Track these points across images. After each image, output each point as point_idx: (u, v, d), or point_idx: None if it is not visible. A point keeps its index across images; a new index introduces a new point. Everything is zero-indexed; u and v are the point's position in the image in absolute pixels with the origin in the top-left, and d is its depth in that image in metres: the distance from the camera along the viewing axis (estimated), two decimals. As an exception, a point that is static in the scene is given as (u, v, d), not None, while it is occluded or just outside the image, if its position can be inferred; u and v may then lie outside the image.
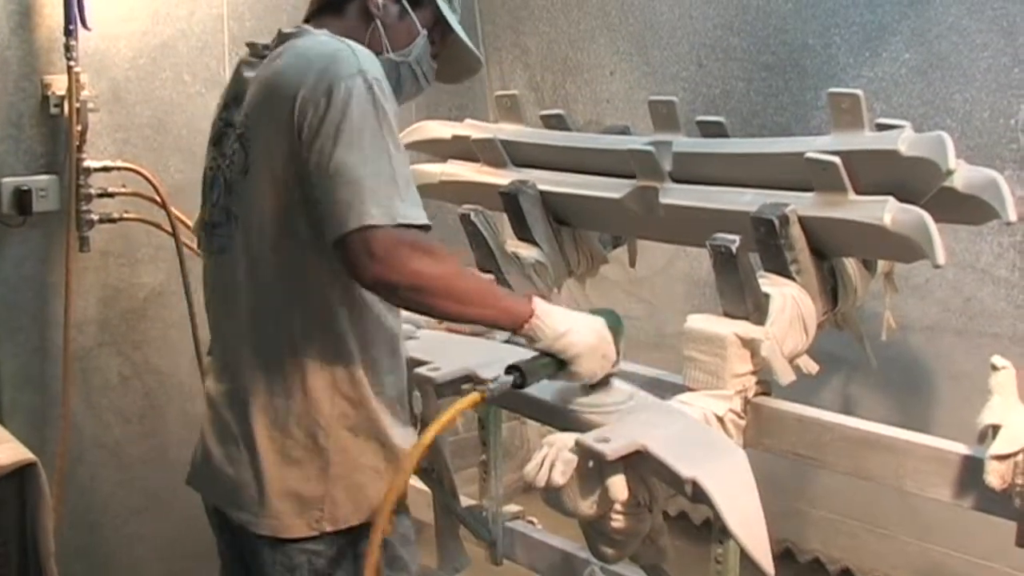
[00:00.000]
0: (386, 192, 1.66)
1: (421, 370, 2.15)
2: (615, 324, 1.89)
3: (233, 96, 1.90)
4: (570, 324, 1.82)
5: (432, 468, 2.53)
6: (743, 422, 2.14)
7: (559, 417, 1.96)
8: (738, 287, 2.14)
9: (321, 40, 1.81)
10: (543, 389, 1.95)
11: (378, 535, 1.75)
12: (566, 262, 2.78)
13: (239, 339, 1.87)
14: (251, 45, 1.95)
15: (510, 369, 1.81)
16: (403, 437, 1.90)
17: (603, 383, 1.91)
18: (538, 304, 1.82)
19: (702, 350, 2.14)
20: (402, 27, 1.95)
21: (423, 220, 1.70)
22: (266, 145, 1.76)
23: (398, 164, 1.70)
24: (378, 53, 1.85)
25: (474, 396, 1.79)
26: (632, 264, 2.97)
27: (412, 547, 1.97)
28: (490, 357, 1.94)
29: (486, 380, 1.84)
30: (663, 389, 2.21)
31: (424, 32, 1.98)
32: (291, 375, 1.81)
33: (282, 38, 1.88)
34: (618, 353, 1.89)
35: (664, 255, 3.68)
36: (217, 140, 1.92)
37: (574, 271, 2.83)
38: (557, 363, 1.83)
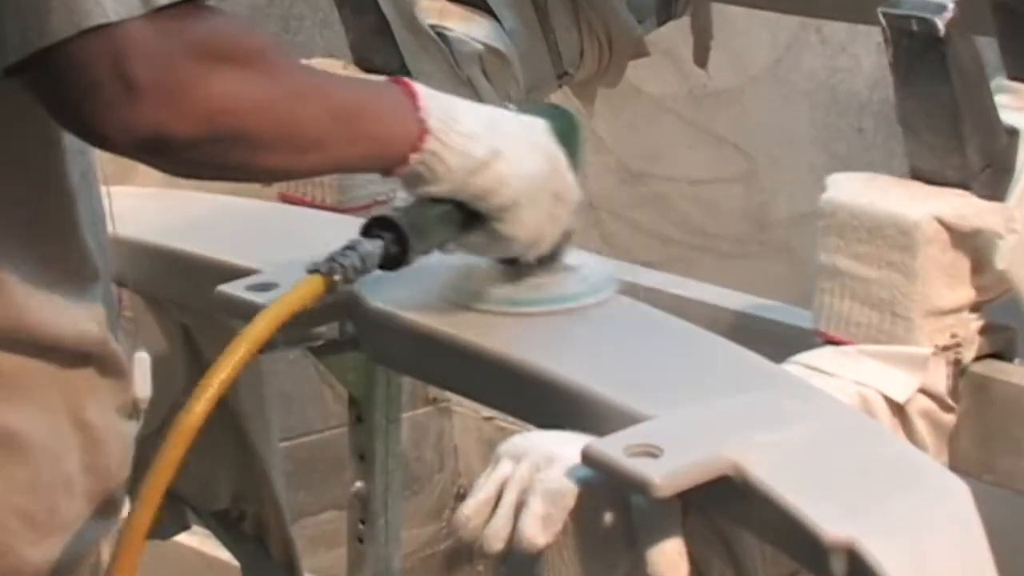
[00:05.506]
0: None
1: (239, 292, 1.28)
2: (567, 129, 1.26)
3: None
4: (495, 140, 1.18)
5: (243, 512, 1.51)
6: (950, 417, 1.28)
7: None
8: (947, 113, 1.30)
9: None
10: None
11: None
12: (552, 50, 1.70)
13: None
14: None
15: (378, 224, 1.15)
16: (106, 410, 1.17)
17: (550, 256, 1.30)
18: (424, 98, 1.12)
19: (861, 253, 1.30)
20: None
21: None
22: None
23: None
24: None
25: (312, 283, 1.16)
26: (702, 62, 1.81)
27: None
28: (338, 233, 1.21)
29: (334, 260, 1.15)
30: (767, 337, 1.37)
31: None
32: None
33: None
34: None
35: (770, 44, 2.43)
36: None
37: (569, 71, 1.74)
38: (466, 215, 1.21)
